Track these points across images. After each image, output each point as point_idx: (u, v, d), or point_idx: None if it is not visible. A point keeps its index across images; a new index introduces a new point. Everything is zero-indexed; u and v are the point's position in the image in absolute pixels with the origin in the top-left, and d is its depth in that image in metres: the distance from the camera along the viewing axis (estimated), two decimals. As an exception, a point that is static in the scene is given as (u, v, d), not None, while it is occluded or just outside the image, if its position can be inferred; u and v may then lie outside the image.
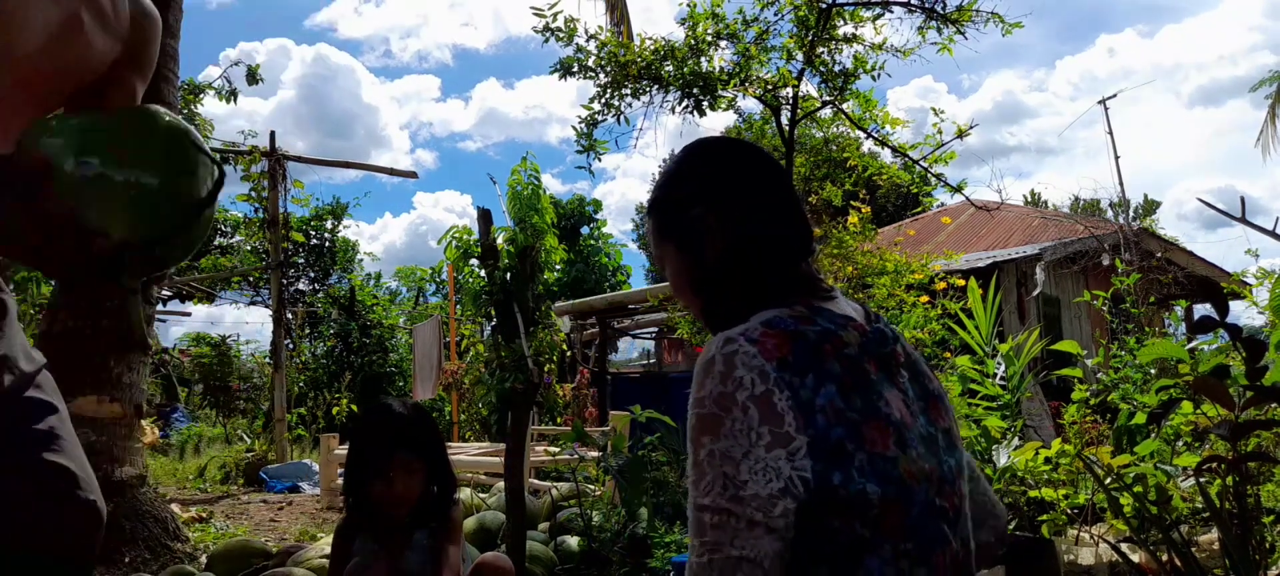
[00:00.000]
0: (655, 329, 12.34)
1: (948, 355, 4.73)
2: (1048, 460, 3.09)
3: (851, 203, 6.02)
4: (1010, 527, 3.15)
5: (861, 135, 5.99)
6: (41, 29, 1.02)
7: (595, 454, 3.97)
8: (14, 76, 1.05)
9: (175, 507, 5.03)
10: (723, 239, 1.21)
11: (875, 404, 1.07)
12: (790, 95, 5.49)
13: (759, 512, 0.99)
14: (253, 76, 14.34)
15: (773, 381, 1.03)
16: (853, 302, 1.24)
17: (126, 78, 1.18)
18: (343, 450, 6.31)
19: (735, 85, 5.39)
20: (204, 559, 3.94)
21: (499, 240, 11.98)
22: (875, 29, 5.40)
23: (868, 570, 1.01)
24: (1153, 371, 3.84)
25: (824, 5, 5.14)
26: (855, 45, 5.39)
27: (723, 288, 1.22)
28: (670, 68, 5.33)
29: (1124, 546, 2.89)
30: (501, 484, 4.27)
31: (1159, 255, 8.96)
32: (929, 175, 5.83)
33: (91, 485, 1.23)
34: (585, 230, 18.34)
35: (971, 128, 5.55)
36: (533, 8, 5.35)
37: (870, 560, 1.02)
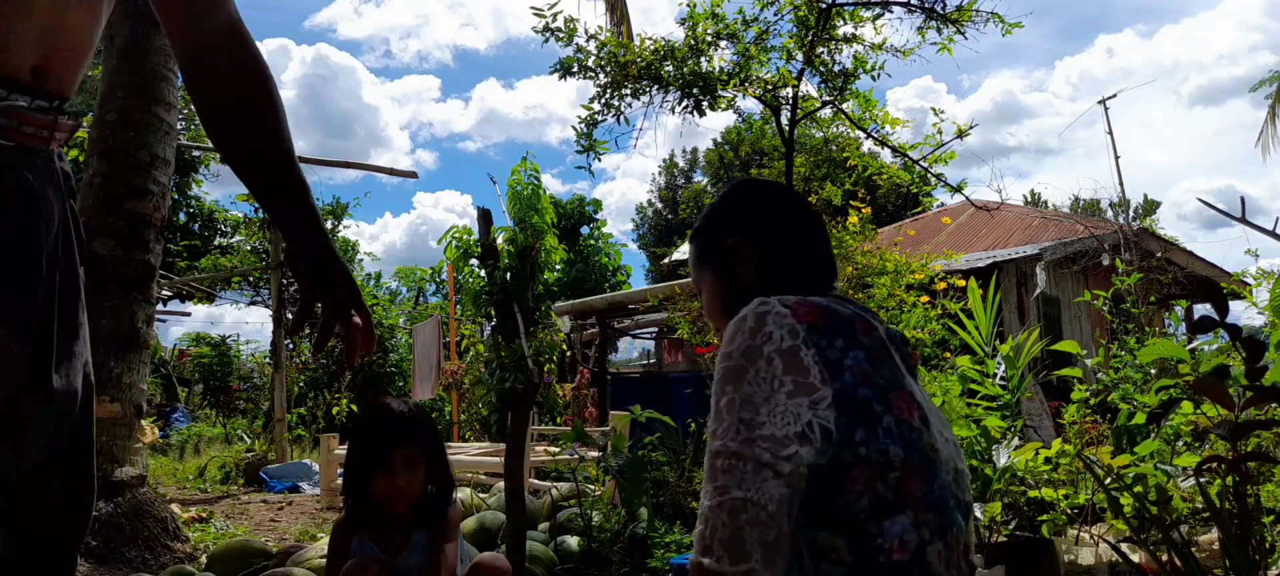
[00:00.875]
0: (655, 329, 12.33)
1: (948, 355, 4.72)
2: (1048, 460, 3.09)
3: (851, 202, 6.02)
4: (1010, 528, 3.15)
5: (861, 135, 5.99)
6: None
7: (595, 454, 3.96)
8: None
9: (175, 507, 5.03)
10: (754, 266, 1.33)
11: (900, 379, 1.14)
12: (790, 95, 5.49)
13: (767, 452, 1.03)
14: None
15: (801, 338, 1.09)
16: None
17: None
18: (343, 450, 6.31)
19: (735, 85, 5.39)
20: (204, 559, 3.94)
21: (499, 240, 11.98)
22: (875, 29, 5.41)
23: (887, 532, 1.05)
24: (1153, 371, 3.84)
25: (824, 5, 5.14)
26: (855, 45, 5.39)
27: None
28: (670, 68, 5.33)
29: (1124, 546, 2.89)
30: (501, 484, 4.27)
31: (1159, 255, 8.96)
32: (929, 175, 5.83)
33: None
34: (585, 230, 18.34)
35: (971, 128, 5.55)
36: (533, 8, 5.35)
37: (890, 524, 1.05)
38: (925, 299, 5.48)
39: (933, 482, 1.09)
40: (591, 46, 5.45)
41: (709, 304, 1.41)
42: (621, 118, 5.58)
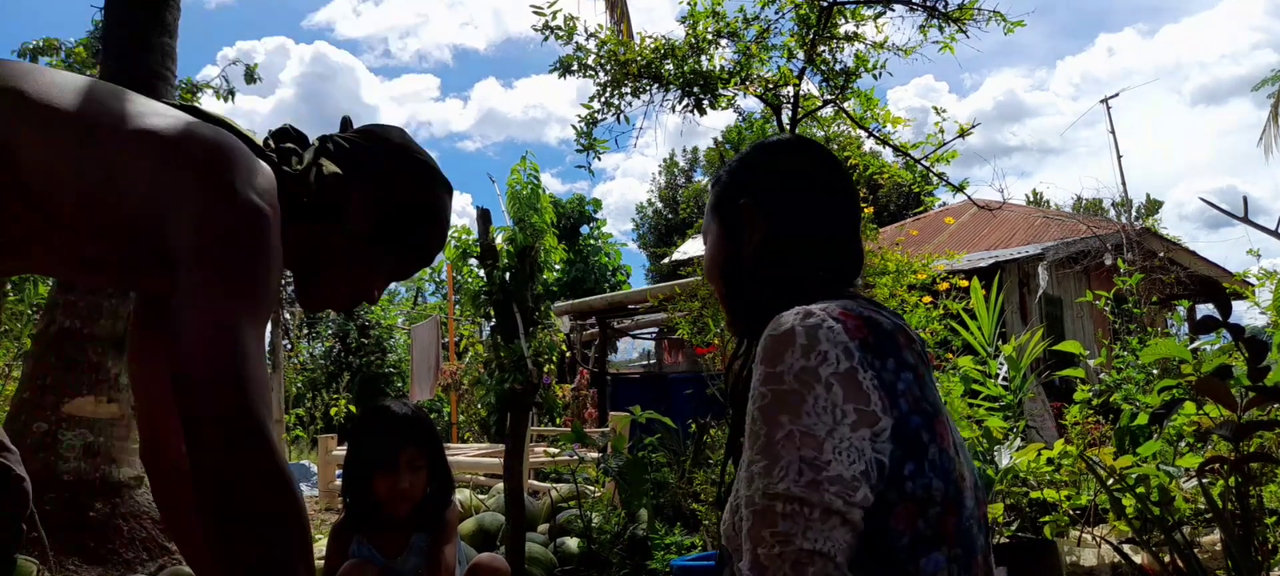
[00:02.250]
0: (655, 329, 12.32)
1: (949, 355, 4.71)
2: (1050, 461, 3.08)
3: (852, 202, 6.00)
4: (1012, 529, 3.14)
5: (863, 134, 5.97)
6: None
7: (595, 455, 3.95)
8: None
9: (174, 508, 5.01)
10: (761, 234, 1.21)
11: (940, 403, 1.06)
12: (791, 94, 5.48)
13: (838, 499, 0.93)
14: (250, 76, 14.33)
15: (857, 360, 0.99)
16: None
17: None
18: (341, 451, 6.30)
19: (736, 84, 5.37)
20: (202, 560, 3.92)
21: (498, 240, 11.97)
22: (877, 27, 5.39)
23: (924, 570, 0.98)
24: (1155, 372, 3.83)
25: (825, 4, 5.12)
26: (856, 44, 5.37)
27: (752, 280, 1.22)
28: (670, 66, 5.31)
29: (1126, 547, 2.88)
30: (501, 485, 4.26)
31: (1161, 255, 8.96)
32: (931, 174, 5.81)
33: None
34: (585, 230, 18.32)
35: (973, 127, 5.54)
36: (532, 6, 5.34)
37: (926, 561, 0.98)
38: (927, 299, 5.47)
39: (962, 514, 1.03)
40: (591, 45, 5.44)
41: (708, 261, 1.30)
42: (621, 116, 5.57)
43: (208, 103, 16.70)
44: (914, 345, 1.08)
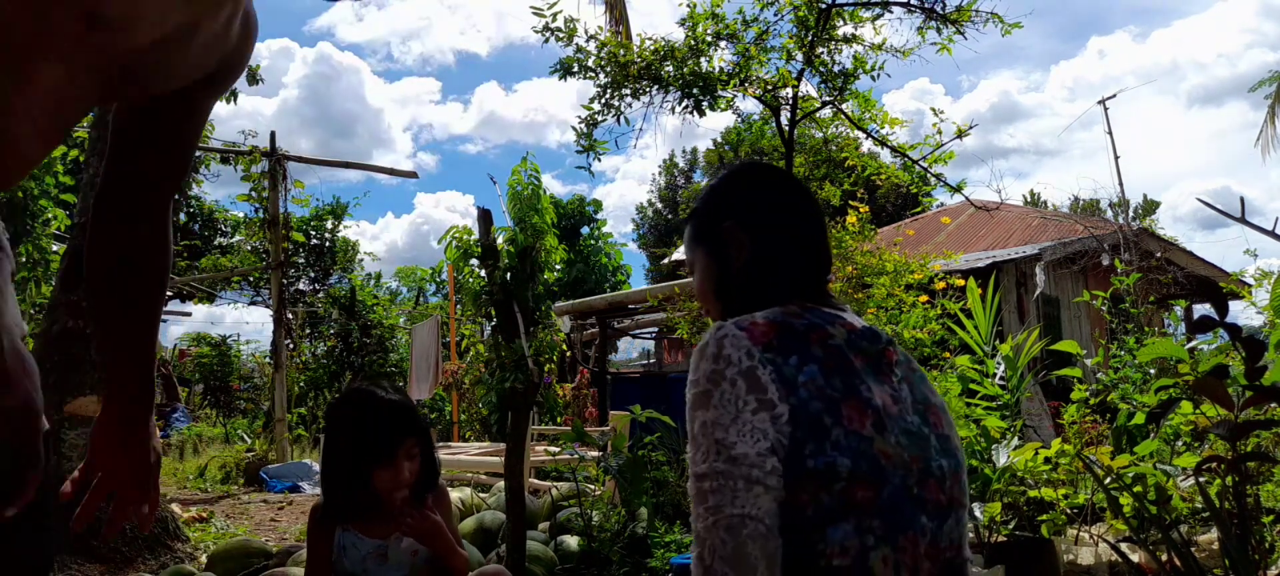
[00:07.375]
0: (655, 329, 12.34)
1: (947, 355, 4.73)
2: (1047, 460, 3.10)
3: (850, 202, 6.03)
4: (1010, 527, 3.16)
5: (861, 135, 5.99)
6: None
7: (595, 454, 3.97)
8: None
9: (175, 507, 5.03)
10: (747, 252, 1.34)
11: (855, 386, 1.16)
12: (790, 95, 5.49)
13: (754, 469, 1.07)
14: (253, 77, 14.33)
15: (757, 359, 1.13)
16: (852, 314, 1.33)
17: (207, 101, 1.07)
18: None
19: (735, 85, 5.39)
20: (204, 558, 3.94)
21: (499, 240, 11.97)
22: (875, 29, 5.41)
23: (829, 539, 1.07)
24: (1152, 371, 3.85)
25: (824, 5, 5.14)
26: (855, 45, 5.39)
27: (742, 295, 1.34)
28: (670, 68, 5.33)
29: (1124, 546, 2.89)
30: (502, 483, 4.27)
31: (1158, 255, 8.98)
32: (928, 175, 5.83)
33: None
34: (585, 230, 18.35)
35: (970, 128, 5.55)
36: (532, 8, 5.35)
37: (832, 531, 1.08)
38: (924, 299, 5.49)
39: (881, 490, 1.09)
40: (591, 46, 5.45)
41: (700, 285, 1.44)
42: (621, 118, 5.58)
43: (208, 103, 16.67)
44: (831, 340, 1.19)
